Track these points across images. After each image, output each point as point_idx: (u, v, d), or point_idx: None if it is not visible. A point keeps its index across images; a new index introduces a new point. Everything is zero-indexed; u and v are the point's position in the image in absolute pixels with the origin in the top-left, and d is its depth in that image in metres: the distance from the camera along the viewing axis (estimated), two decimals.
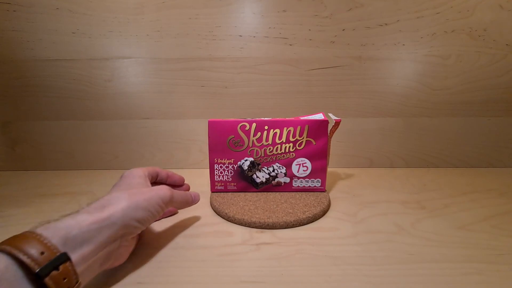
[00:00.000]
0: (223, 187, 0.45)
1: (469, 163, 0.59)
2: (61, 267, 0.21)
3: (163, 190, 0.32)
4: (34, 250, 0.21)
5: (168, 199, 0.32)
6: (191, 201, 0.37)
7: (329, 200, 0.44)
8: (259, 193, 0.45)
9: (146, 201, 0.29)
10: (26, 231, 0.22)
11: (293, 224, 0.38)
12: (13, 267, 0.20)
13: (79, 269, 0.23)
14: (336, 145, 0.58)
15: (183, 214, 0.42)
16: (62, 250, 0.22)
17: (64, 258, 0.22)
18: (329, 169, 0.53)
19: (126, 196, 0.28)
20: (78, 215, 0.25)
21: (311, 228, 0.38)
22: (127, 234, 0.28)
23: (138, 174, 0.33)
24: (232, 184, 0.45)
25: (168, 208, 0.33)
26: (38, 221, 0.24)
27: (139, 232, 0.30)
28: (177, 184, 0.41)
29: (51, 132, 0.58)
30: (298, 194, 0.45)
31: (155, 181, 0.38)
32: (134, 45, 0.53)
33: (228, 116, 0.56)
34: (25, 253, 0.20)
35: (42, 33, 0.52)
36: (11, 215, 0.42)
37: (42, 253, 0.21)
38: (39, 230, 0.23)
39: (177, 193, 0.34)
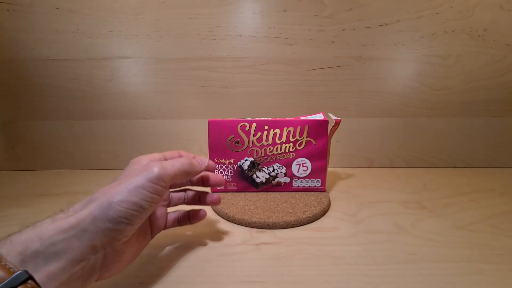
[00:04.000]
0: (223, 187, 0.45)
1: (469, 163, 0.59)
2: None
3: (148, 169, 0.25)
4: None
5: (156, 175, 0.25)
6: (197, 165, 0.29)
7: (329, 200, 0.44)
8: (259, 193, 0.45)
9: (123, 192, 0.23)
10: None
11: (293, 224, 0.38)
12: None
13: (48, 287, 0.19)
14: (336, 145, 0.58)
15: None
16: (21, 268, 0.19)
17: (23, 277, 0.18)
18: (329, 169, 0.53)
19: (100, 194, 0.23)
20: (42, 224, 0.21)
21: (311, 228, 0.38)
22: (113, 240, 0.23)
23: (140, 161, 0.28)
24: (232, 184, 0.45)
25: (167, 186, 0.26)
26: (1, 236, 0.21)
27: (129, 234, 0.24)
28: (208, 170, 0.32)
29: (51, 132, 0.57)
30: (298, 194, 0.45)
31: None
32: (134, 45, 0.53)
33: (228, 116, 0.56)
34: None
35: (42, 33, 0.52)
36: (11, 214, 0.42)
37: None
38: None
39: (170, 163, 0.27)
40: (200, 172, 0.30)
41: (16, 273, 0.18)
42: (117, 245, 0.23)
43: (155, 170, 0.25)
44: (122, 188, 0.23)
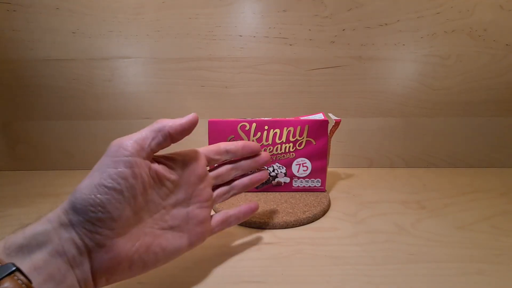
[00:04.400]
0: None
1: (469, 163, 0.59)
2: (5, 282, 0.17)
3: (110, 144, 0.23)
4: None
5: (115, 146, 0.23)
6: (174, 120, 0.26)
7: (329, 200, 0.44)
8: (259, 193, 0.45)
9: (87, 178, 0.22)
10: None
11: (293, 224, 0.38)
12: None
13: (36, 281, 0.19)
14: (336, 145, 0.58)
15: None
16: (8, 261, 0.18)
17: (9, 269, 0.18)
18: (329, 169, 0.53)
19: None
20: (30, 225, 0.21)
21: (311, 228, 0.38)
22: (92, 234, 0.21)
23: None
24: None
25: (135, 154, 0.23)
26: None
27: (111, 226, 0.21)
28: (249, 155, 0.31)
29: (51, 132, 0.57)
30: (298, 194, 0.45)
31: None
32: (134, 45, 0.53)
33: (228, 116, 0.56)
34: None
35: (42, 33, 0.52)
36: (11, 215, 0.42)
37: None
38: None
39: (139, 131, 0.24)
40: (185, 126, 0.27)
41: (2, 265, 0.18)
42: (100, 240, 0.21)
43: (114, 141, 0.23)
44: (89, 174, 0.22)
